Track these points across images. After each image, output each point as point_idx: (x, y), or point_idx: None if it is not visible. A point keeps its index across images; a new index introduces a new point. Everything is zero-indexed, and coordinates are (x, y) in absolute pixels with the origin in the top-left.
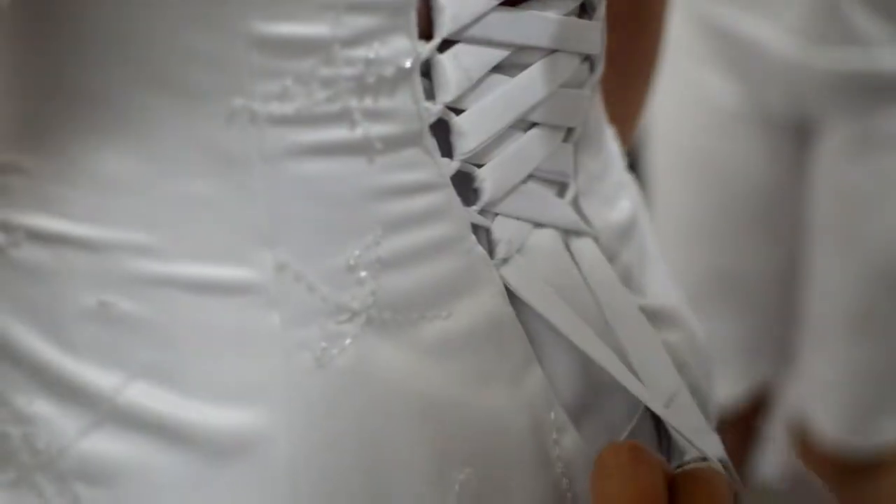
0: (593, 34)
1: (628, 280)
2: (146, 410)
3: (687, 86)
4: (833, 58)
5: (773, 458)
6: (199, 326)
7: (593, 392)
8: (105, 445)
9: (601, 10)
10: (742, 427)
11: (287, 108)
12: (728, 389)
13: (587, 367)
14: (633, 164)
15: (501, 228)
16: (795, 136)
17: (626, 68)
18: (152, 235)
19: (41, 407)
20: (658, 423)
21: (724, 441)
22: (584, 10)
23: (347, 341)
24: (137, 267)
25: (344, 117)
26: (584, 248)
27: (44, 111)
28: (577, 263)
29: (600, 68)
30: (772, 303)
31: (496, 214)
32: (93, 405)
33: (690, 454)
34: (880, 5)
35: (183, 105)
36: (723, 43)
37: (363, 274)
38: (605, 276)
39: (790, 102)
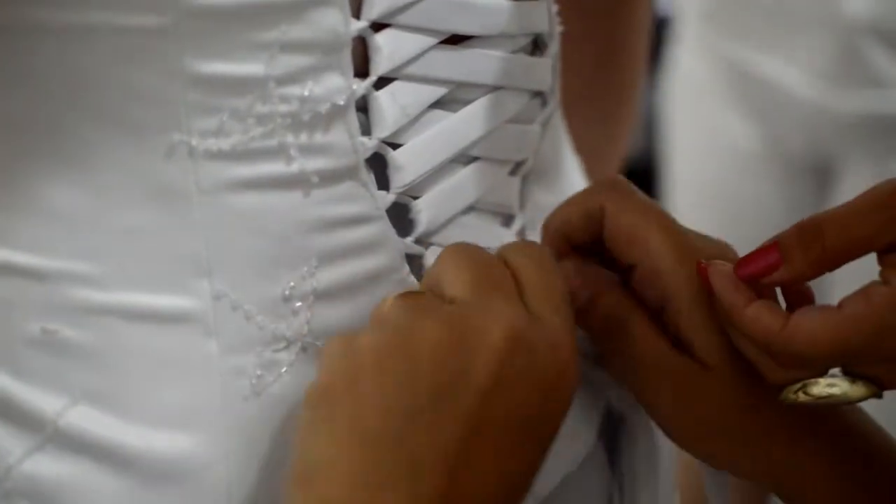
0: (543, 71)
1: None
2: (87, 434)
3: (707, 127)
4: (853, 100)
5: None
6: (138, 353)
7: None
8: (48, 466)
9: (554, 47)
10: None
11: (224, 144)
12: None
13: None
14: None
15: (434, 258)
16: (815, 177)
17: (602, 101)
18: (94, 265)
19: None
20: (612, 456)
21: (733, 499)
22: (537, 47)
23: (283, 369)
24: (80, 296)
25: (280, 152)
26: None
27: None
28: None
29: (553, 104)
30: None
31: (431, 244)
32: (37, 428)
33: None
34: None
35: (124, 139)
36: (743, 85)
37: (298, 304)
38: None
39: (810, 144)
